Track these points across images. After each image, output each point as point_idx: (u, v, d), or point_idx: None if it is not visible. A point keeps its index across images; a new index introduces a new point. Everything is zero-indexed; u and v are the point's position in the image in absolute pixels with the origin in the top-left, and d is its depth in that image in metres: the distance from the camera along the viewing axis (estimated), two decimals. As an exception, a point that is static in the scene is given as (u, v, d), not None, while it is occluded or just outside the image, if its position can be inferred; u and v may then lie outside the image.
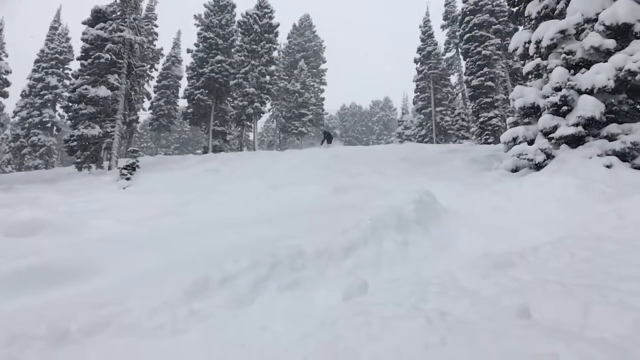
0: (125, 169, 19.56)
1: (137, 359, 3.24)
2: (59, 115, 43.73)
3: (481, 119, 33.12)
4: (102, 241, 6.19)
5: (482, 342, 2.79)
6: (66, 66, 45.62)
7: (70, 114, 25.83)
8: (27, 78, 44.57)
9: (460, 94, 44.76)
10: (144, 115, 45.69)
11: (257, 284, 4.36)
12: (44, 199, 13.65)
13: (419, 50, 43.20)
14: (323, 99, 52.53)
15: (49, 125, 43.89)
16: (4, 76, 37.30)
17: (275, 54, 39.04)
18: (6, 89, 37.54)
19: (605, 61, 10.95)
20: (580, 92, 11.26)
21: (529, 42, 13.30)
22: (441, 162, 15.65)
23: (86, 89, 24.25)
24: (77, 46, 29.08)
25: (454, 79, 45.66)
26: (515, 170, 12.36)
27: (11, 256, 4.98)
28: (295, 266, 4.76)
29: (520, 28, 16.54)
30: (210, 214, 8.91)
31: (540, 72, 12.99)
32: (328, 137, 29.43)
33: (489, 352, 2.69)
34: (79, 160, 24.52)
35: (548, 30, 12.22)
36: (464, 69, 36.70)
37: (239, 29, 37.07)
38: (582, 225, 6.30)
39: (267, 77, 36.30)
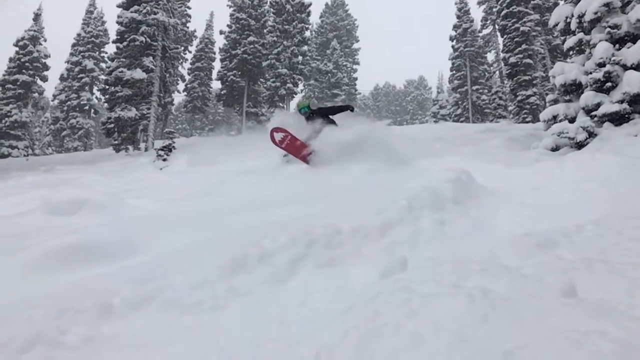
0: (161, 150, 19.92)
1: (179, 333, 3.30)
2: (96, 98, 44.67)
3: (519, 98, 32.35)
4: (141, 219, 6.30)
5: (526, 320, 2.74)
6: (102, 49, 46.50)
7: (107, 96, 26.40)
8: (65, 62, 45.52)
9: (497, 72, 43.79)
10: (179, 98, 46.20)
11: (294, 262, 4.37)
12: (84, 180, 14.01)
13: (455, 27, 42.38)
14: (356, 78, 52.13)
15: (87, 108, 44.95)
16: (43, 60, 38.19)
17: (307, 33, 38.85)
18: (45, 72, 38.43)
19: (653, 34, 10.54)
20: (625, 68, 10.87)
21: (571, 16, 12.85)
22: (478, 141, 15.38)
23: (122, 71, 24.66)
24: (113, 29, 29.55)
25: (490, 56, 44.69)
26: (555, 149, 12.04)
27: (56, 233, 5.12)
28: (332, 244, 4.75)
29: (561, 2, 16.01)
30: (244, 193, 8.95)
31: (583, 47, 12.57)
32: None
33: (534, 329, 2.64)
34: (116, 142, 25.07)
35: (592, 3, 11.79)
36: (501, 46, 35.83)
37: (271, 9, 36.93)
38: (627, 204, 6.11)
39: (300, 58, 36.15)
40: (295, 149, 10.83)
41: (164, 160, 19.40)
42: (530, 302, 2.99)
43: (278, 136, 10.78)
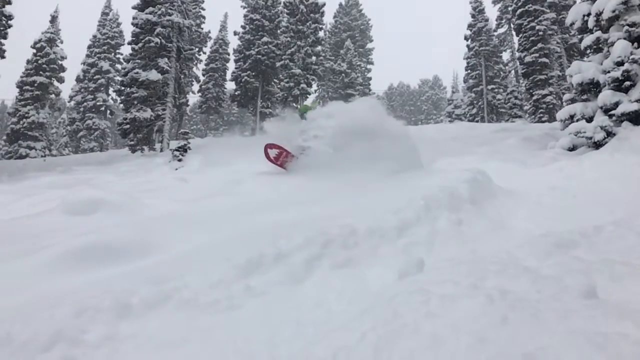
0: (177, 150, 20.01)
1: (195, 332, 3.31)
2: (112, 99, 45.01)
3: (535, 97, 32.04)
4: (157, 219, 6.34)
5: (546, 321, 2.69)
6: (118, 51, 46.85)
7: (122, 97, 26.59)
8: (81, 63, 45.96)
9: (512, 71, 43.39)
10: (194, 98, 46.42)
11: (310, 262, 4.37)
12: (101, 180, 14.13)
13: (470, 26, 42.07)
14: (370, 78, 51.93)
15: (103, 109, 45.34)
16: (60, 62, 38.60)
17: (321, 34, 38.80)
18: (62, 74, 38.83)
19: (673, 32, 10.38)
20: (644, 66, 10.71)
21: (588, 14, 12.70)
22: (494, 141, 15.31)
23: (137, 72, 24.81)
24: (128, 31, 29.79)
25: (506, 55, 44.22)
26: (572, 149, 11.91)
27: (74, 233, 5.17)
28: (348, 244, 4.74)
29: (578, 0, 15.83)
30: (258, 193, 8.99)
31: (600, 46, 12.42)
32: None
33: (554, 330, 2.60)
34: (132, 142, 25.21)
35: (610, 1, 11.63)
36: (516, 45, 35.47)
37: (285, 10, 36.93)
38: (647, 205, 6.03)
39: (313, 58, 36.09)
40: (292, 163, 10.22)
41: (179, 160, 19.50)
42: (550, 303, 2.94)
43: (272, 153, 10.31)
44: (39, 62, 37.36)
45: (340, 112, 10.13)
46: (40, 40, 38.20)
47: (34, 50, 37.97)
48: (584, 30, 13.33)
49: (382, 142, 9.43)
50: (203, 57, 42.99)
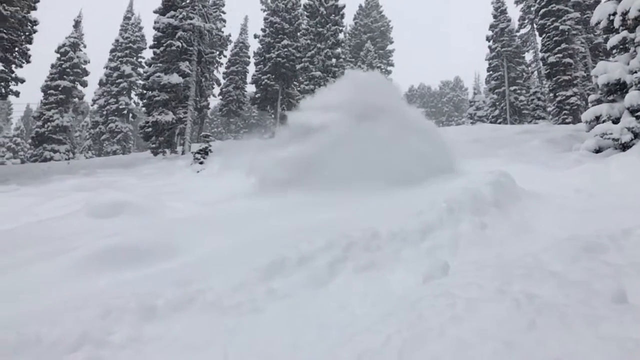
0: (198, 153, 20.17)
1: (219, 335, 3.32)
2: (134, 102, 45.61)
3: (559, 98, 31.56)
4: (180, 222, 6.39)
5: (575, 326, 2.64)
6: (139, 55, 47.52)
7: (144, 100, 26.90)
8: (104, 67, 46.68)
9: (535, 72, 42.88)
10: (214, 101, 46.73)
11: (333, 265, 4.35)
12: (124, 183, 14.30)
13: (492, 27, 41.68)
14: (390, 80, 51.74)
15: (125, 112, 45.97)
16: (83, 66, 39.29)
17: (341, 36, 38.72)
18: (85, 78, 39.51)
19: (702, 31, 10.15)
20: (673, 66, 10.49)
21: (614, 13, 12.49)
22: (517, 142, 15.13)
23: (159, 76, 25.09)
24: (150, 35, 30.14)
25: (528, 56, 43.78)
26: (598, 150, 11.71)
27: (99, 236, 5.23)
28: (370, 247, 4.71)
29: (603, -1, 15.60)
30: (279, 195, 8.97)
31: (627, 45, 12.20)
32: None
33: (583, 336, 2.54)
34: (154, 145, 25.49)
35: (636, 0, 11.42)
36: (539, 46, 35.01)
37: (305, 12, 37.03)
38: (677, 207, 5.88)
39: (333, 60, 36.08)
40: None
41: (201, 163, 19.65)
42: (579, 308, 2.88)
43: None
44: (63, 66, 38.09)
45: (350, 86, 9.55)
46: (64, 45, 38.93)
47: (58, 55, 38.68)
48: (610, 29, 13.11)
49: (406, 135, 8.85)
50: (224, 60, 43.33)
